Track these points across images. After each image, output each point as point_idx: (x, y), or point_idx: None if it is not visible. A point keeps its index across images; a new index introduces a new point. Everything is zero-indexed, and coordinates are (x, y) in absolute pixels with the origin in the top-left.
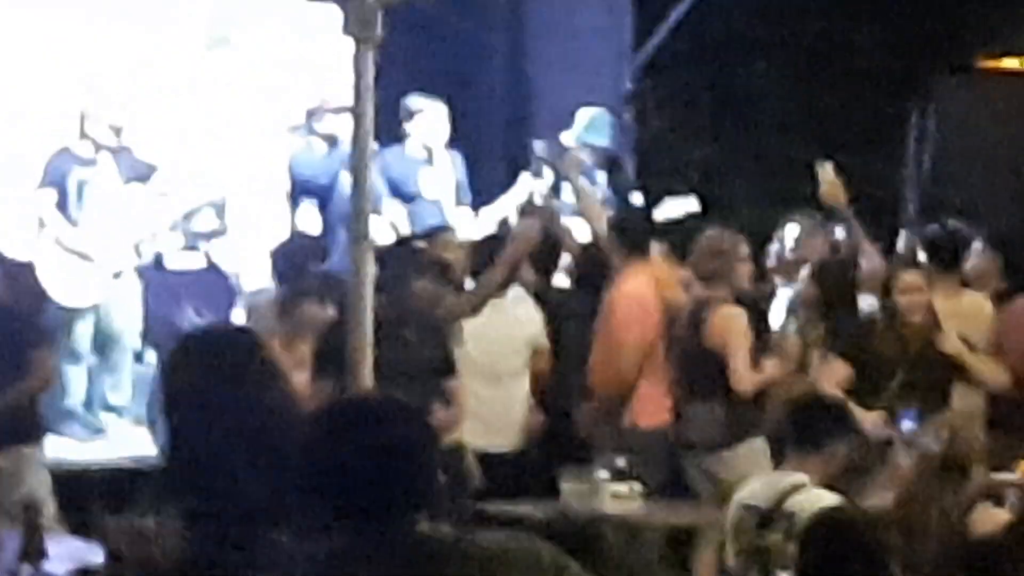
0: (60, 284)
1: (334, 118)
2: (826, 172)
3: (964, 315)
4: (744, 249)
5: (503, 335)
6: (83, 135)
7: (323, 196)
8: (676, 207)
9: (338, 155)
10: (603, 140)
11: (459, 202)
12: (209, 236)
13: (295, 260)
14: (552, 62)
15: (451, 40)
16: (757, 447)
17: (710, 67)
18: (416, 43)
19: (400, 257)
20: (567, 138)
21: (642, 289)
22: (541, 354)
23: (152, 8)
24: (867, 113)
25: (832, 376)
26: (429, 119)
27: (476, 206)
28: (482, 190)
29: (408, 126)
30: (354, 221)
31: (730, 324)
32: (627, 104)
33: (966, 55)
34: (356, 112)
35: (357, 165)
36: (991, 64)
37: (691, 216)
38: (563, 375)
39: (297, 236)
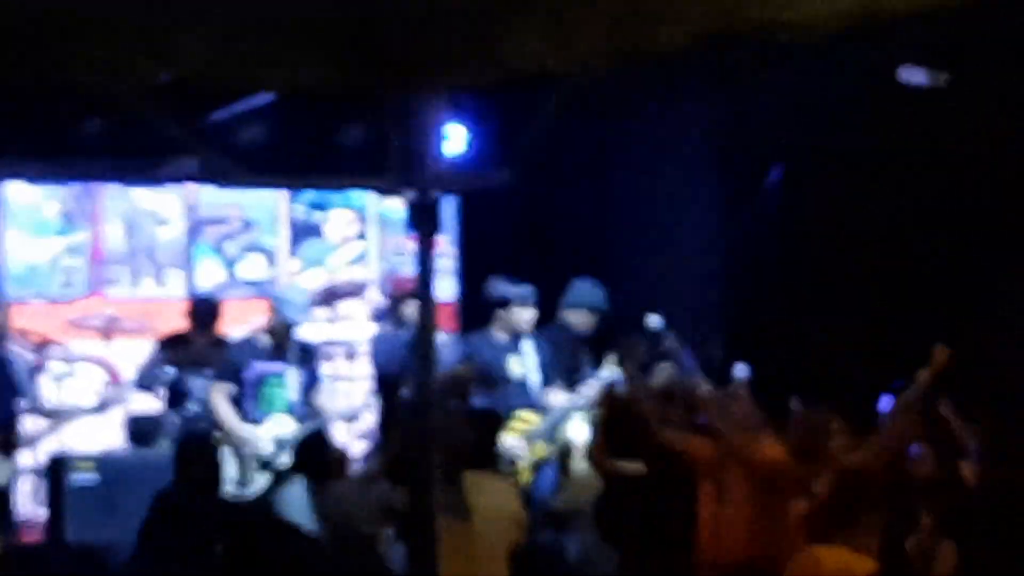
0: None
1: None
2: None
3: None
4: (836, 425)
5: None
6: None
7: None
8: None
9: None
10: (599, 304)
11: (547, 382)
12: None
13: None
14: (638, 239)
15: (537, 224)
16: None
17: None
18: (501, 229)
19: None
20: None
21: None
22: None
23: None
24: None
25: None
26: (516, 305)
27: (568, 384)
28: (571, 369)
29: (496, 312)
30: (418, 400)
31: None
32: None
33: None
34: (422, 298)
35: (422, 349)
36: None
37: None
38: None
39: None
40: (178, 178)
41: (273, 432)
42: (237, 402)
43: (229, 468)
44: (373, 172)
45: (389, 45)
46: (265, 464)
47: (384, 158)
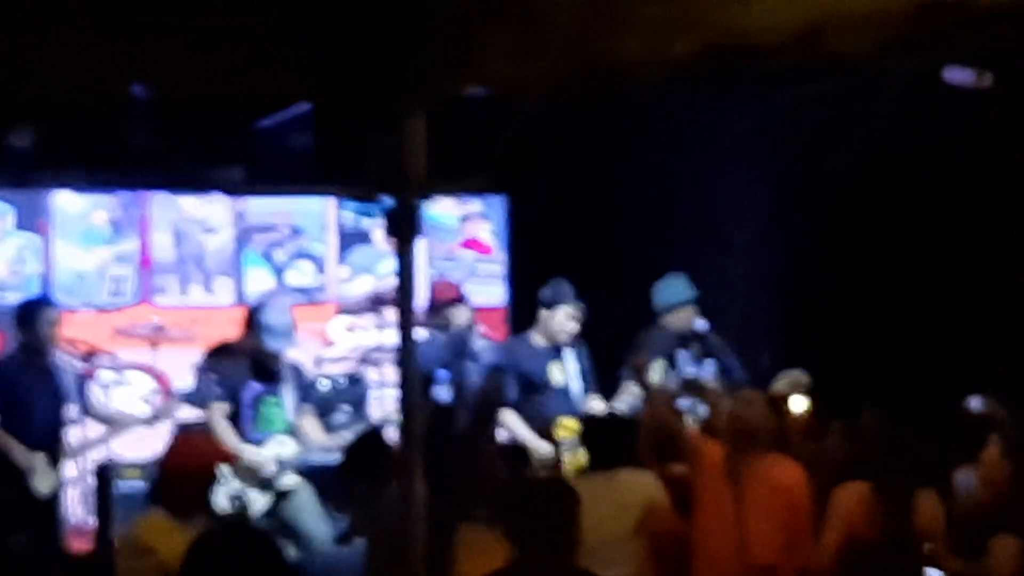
0: (222, 495)
1: (454, 309)
2: None
3: None
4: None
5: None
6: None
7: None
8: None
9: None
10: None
11: (587, 390)
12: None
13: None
14: (689, 242)
15: (588, 228)
16: None
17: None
18: (552, 233)
19: None
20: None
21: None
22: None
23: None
24: None
25: None
26: (558, 313)
27: (606, 394)
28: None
29: (538, 319)
30: (401, 404)
31: None
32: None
33: None
34: (401, 305)
35: (403, 355)
36: None
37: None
38: None
39: None
40: (224, 187)
41: (275, 453)
42: (234, 421)
43: (228, 487)
44: (350, 179)
45: (366, 55)
46: (265, 484)
47: (359, 165)
